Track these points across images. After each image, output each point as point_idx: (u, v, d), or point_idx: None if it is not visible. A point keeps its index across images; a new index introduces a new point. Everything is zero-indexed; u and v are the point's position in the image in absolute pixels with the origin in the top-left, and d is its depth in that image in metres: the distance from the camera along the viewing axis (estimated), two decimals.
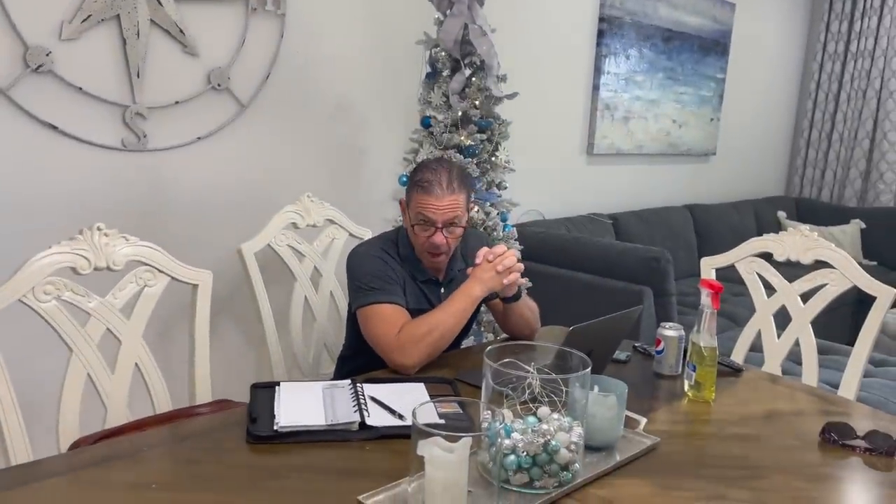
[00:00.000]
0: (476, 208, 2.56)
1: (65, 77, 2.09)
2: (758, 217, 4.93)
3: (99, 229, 1.50)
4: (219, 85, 2.39)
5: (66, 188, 2.15)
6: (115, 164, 2.24)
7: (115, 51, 2.18)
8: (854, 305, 3.99)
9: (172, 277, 1.62)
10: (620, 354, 1.80)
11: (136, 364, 1.57)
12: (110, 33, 2.16)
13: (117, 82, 2.20)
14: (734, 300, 3.52)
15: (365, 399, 1.40)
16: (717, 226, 4.53)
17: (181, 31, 2.27)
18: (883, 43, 5.03)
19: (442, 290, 1.82)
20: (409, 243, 1.80)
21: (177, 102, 2.31)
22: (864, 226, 4.90)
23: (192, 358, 1.68)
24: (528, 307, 1.86)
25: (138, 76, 2.21)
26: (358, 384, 1.47)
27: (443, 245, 1.71)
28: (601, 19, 3.82)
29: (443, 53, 2.54)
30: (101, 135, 2.19)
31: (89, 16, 2.09)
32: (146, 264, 1.58)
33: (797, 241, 2.06)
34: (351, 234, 2.19)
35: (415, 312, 1.70)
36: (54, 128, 2.10)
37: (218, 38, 2.39)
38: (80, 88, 2.12)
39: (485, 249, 1.70)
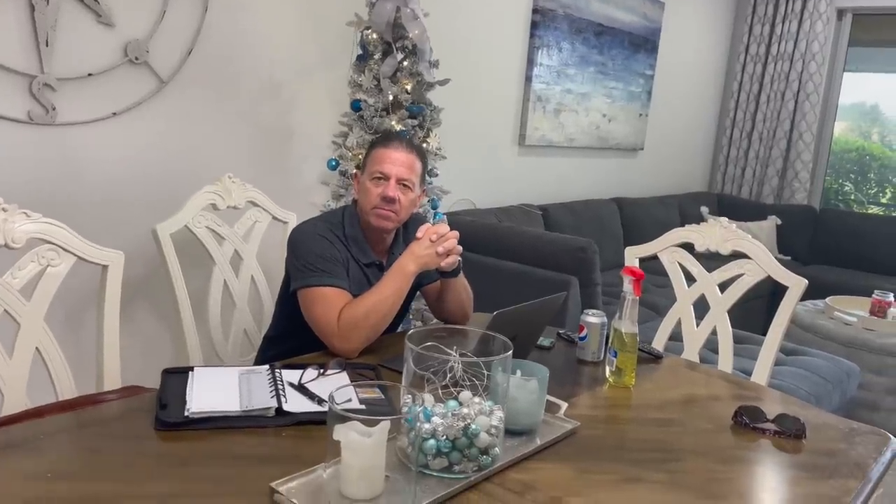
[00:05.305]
0: None
1: None
2: (682, 211, 5.07)
3: None
4: (136, 58, 2.27)
5: None
6: (19, 137, 2.10)
7: (21, 18, 2.04)
8: (768, 297, 4.17)
9: (79, 257, 1.53)
10: (545, 341, 1.81)
11: (38, 349, 1.48)
12: None
13: (24, 51, 2.06)
14: (656, 291, 3.61)
15: (283, 384, 1.36)
16: (643, 219, 4.63)
17: None
18: (802, 47, 5.25)
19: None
20: (355, 222, 1.77)
21: (90, 75, 2.19)
22: (779, 222, 5.11)
23: (101, 342, 1.59)
24: (465, 288, 1.85)
25: (47, 45, 2.07)
26: (276, 370, 1.43)
27: (394, 199, 1.68)
28: (535, 10, 3.83)
29: (374, 36, 2.49)
30: (5, 106, 2.05)
31: None
32: (50, 242, 1.49)
33: (717, 232, 2.12)
34: (274, 218, 2.13)
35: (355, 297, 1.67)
36: None
37: (136, 9, 2.27)
38: None
39: (427, 226, 1.67)
